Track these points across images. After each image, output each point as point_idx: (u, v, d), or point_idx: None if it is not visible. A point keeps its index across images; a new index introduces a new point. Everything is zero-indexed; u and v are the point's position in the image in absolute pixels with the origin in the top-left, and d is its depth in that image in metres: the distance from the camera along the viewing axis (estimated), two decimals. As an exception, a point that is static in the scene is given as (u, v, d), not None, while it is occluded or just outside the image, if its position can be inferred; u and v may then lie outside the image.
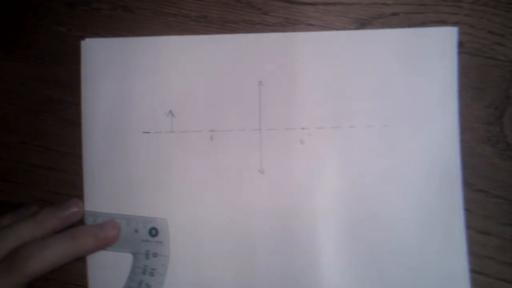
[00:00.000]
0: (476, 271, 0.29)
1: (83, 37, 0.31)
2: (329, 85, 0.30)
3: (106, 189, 0.30)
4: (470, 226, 0.29)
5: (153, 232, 0.29)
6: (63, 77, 0.31)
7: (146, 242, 0.29)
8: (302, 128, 0.30)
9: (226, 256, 0.29)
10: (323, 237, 0.29)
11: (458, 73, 0.30)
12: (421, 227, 0.29)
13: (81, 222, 0.29)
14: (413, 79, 0.30)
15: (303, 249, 0.29)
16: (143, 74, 0.30)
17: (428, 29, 0.30)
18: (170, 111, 0.30)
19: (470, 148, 0.30)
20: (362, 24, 0.30)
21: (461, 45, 0.30)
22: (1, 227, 0.27)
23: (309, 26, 0.30)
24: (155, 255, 0.29)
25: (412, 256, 0.29)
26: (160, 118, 0.30)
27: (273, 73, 0.30)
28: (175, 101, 0.30)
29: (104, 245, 0.29)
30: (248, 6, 0.31)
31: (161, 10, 0.31)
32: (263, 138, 0.30)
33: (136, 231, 0.29)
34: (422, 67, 0.30)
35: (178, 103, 0.30)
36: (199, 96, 0.30)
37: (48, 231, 0.27)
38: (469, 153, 0.30)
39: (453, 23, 0.30)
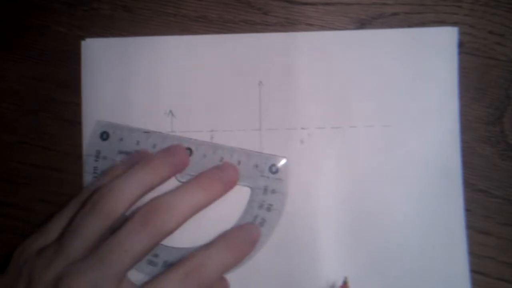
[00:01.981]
0: (476, 271, 0.29)
1: (83, 37, 0.31)
2: (329, 85, 0.30)
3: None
4: (470, 226, 0.29)
5: (273, 169, 0.29)
6: (63, 77, 0.31)
7: (265, 177, 0.29)
8: (302, 128, 0.30)
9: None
10: (322, 237, 0.29)
11: (458, 73, 0.30)
12: (422, 227, 0.29)
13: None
14: (414, 79, 0.30)
15: (303, 249, 0.29)
16: (143, 74, 0.30)
17: (428, 29, 0.30)
18: (170, 111, 0.30)
19: (470, 148, 0.30)
20: (362, 24, 0.30)
21: (461, 45, 0.30)
22: (117, 176, 0.27)
23: (309, 26, 0.30)
24: (273, 191, 0.29)
25: (413, 256, 0.29)
26: (160, 118, 0.30)
27: (273, 73, 0.30)
28: (175, 101, 0.30)
29: (229, 189, 0.28)
30: (248, 6, 0.31)
31: (161, 10, 0.31)
32: (263, 138, 0.30)
33: (256, 166, 0.29)
34: (423, 67, 0.30)
35: (178, 103, 0.30)
36: (199, 96, 0.30)
37: (162, 179, 0.27)
38: (469, 153, 0.30)
39: (453, 23, 0.30)
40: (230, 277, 0.28)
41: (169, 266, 0.26)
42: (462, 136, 0.29)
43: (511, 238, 0.29)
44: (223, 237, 0.28)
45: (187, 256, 0.26)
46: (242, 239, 0.28)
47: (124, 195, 0.26)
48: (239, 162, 0.29)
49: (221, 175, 0.28)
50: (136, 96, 0.30)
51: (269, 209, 0.29)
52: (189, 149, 0.29)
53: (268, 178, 0.29)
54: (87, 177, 0.30)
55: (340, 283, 0.28)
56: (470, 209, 0.29)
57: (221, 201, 0.29)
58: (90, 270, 0.24)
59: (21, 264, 0.26)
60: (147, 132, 0.30)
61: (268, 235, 0.29)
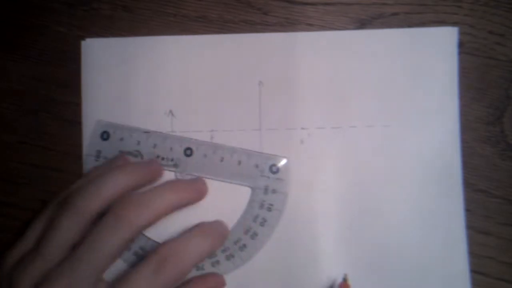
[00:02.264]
0: (476, 271, 0.29)
1: (83, 37, 0.31)
2: (329, 85, 0.30)
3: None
4: (470, 226, 0.29)
5: (274, 169, 0.29)
6: (63, 77, 0.31)
7: (265, 177, 0.29)
8: (302, 128, 0.30)
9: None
10: (322, 237, 0.29)
11: (458, 73, 0.30)
12: (422, 227, 0.29)
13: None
14: (414, 79, 0.30)
15: (303, 249, 0.29)
16: (143, 74, 0.30)
17: (428, 29, 0.30)
18: (170, 111, 0.30)
19: (470, 148, 0.30)
20: (362, 24, 0.30)
21: (461, 45, 0.30)
22: (90, 179, 0.27)
23: (309, 26, 0.30)
24: (274, 191, 0.29)
25: (412, 256, 0.29)
26: (160, 118, 0.30)
27: (273, 73, 0.30)
28: (175, 101, 0.30)
29: (200, 198, 0.29)
30: (248, 6, 0.31)
31: (161, 10, 0.31)
32: (263, 138, 0.30)
33: (256, 166, 0.29)
34: (423, 67, 0.30)
35: (178, 103, 0.30)
36: (199, 96, 0.30)
37: (137, 182, 0.27)
38: (469, 153, 0.30)
39: (453, 23, 0.30)
40: (231, 276, 0.29)
41: (140, 254, 0.27)
42: (462, 136, 0.29)
43: (511, 238, 0.29)
44: (197, 225, 0.28)
45: (160, 246, 0.26)
46: (216, 227, 0.28)
47: (97, 194, 0.26)
48: (239, 162, 0.29)
49: (192, 183, 0.29)
50: (136, 96, 0.30)
51: (269, 209, 0.29)
52: (190, 149, 0.29)
53: (268, 178, 0.29)
54: None
55: (340, 280, 0.28)
56: (470, 209, 0.29)
57: (221, 201, 0.29)
58: (66, 274, 0.24)
59: (2, 275, 0.26)
60: (147, 132, 0.30)
61: (268, 235, 0.29)
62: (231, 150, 0.29)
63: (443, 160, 0.29)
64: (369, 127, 0.30)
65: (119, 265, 0.28)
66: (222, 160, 0.29)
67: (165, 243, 0.26)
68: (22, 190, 0.31)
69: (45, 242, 0.25)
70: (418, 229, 0.29)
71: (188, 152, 0.29)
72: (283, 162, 0.29)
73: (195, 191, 0.28)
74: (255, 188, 0.29)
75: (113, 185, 0.26)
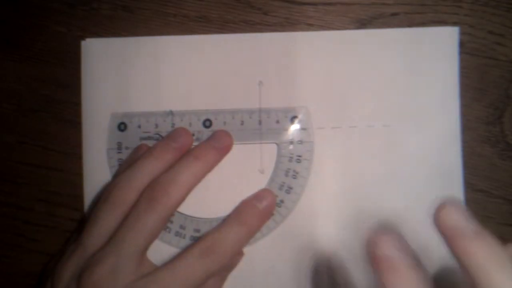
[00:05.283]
0: (476, 271, 0.29)
1: (83, 37, 0.31)
2: (329, 85, 0.30)
3: (106, 189, 0.30)
4: (470, 226, 0.29)
5: (295, 120, 0.29)
6: (63, 77, 0.31)
7: (289, 130, 0.29)
8: (302, 129, 0.30)
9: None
10: (322, 237, 0.29)
11: (458, 73, 0.30)
12: (422, 227, 0.29)
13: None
14: (414, 79, 0.30)
15: (303, 249, 0.29)
16: (143, 74, 0.30)
17: (429, 29, 0.30)
18: (170, 111, 0.30)
19: (470, 148, 0.30)
20: (362, 24, 0.30)
21: (461, 45, 0.30)
22: (122, 172, 0.28)
23: (309, 26, 0.30)
24: (300, 142, 0.29)
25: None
26: (160, 118, 0.30)
27: (273, 73, 0.30)
28: (175, 101, 0.30)
29: (225, 154, 0.29)
30: (248, 6, 0.31)
31: (161, 10, 0.31)
32: (263, 138, 0.30)
33: (278, 121, 0.29)
34: (423, 67, 0.30)
35: (178, 103, 0.30)
36: (199, 96, 0.30)
37: (167, 164, 0.28)
38: (469, 153, 0.30)
39: (453, 23, 0.30)
40: (232, 275, 0.29)
41: (196, 237, 0.28)
42: (462, 136, 0.29)
43: (511, 238, 0.29)
44: (235, 212, 0.28)
45: (202, 236, 0.27)
46: (253, 213, 0.28)
47: (129, 186, 0.27)
48: (259, 122, 0.29)
49: (214, 143, 0.29)
50: (136, 96, 0.30)
51: (299, 160, 0.29)
52: (208, 120, 0.30)
53: (292, 130, 0.29)
54: (113, 171, 0.30)
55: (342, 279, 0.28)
56: (470, 209, 0.29)
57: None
58: (108, 257, 0.25)
59: (47, 270, 0.28)
60: (163, 113, 0.30)
61: (303, 187, 0.29)
62: (249, 112, 0.30)
63: (443, 160, 0.29)
64: (369, 127, 0.30)
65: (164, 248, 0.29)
66: (242, 123, 0.30)
67: (208, 233, 0.27)
68: (22, 190, 0.31)
69: (85, 234, 0.27)
70: (418, 228, 0.29)
71: (207, 123, 0.30)
72: (303, 111, 0.29)
73: (219, 149, 0.29)
74: (280, 143, 0.29)
75: (143, 175, 0.27)
